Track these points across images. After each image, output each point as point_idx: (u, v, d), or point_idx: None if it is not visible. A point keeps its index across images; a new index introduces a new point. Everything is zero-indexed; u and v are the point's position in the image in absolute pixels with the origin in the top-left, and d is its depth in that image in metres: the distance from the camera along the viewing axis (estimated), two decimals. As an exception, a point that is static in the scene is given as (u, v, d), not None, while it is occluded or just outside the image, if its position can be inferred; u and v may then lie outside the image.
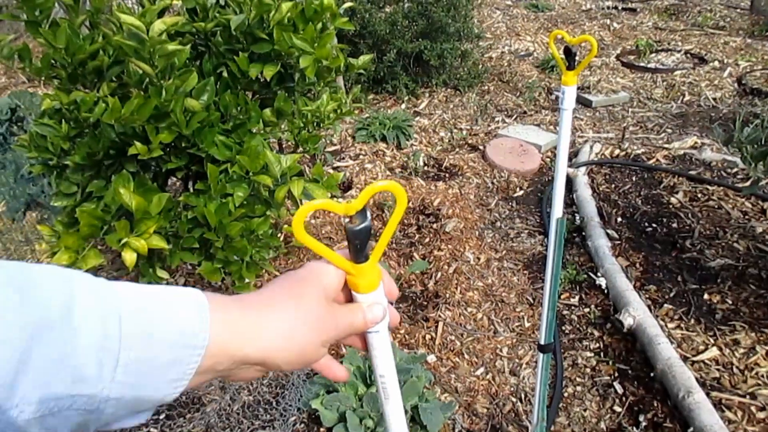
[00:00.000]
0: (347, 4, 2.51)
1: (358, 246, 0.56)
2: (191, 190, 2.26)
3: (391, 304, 0.64)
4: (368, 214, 0.55)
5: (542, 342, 1.76)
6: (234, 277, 2.11)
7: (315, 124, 2.44)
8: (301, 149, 2.49)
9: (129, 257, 1.92)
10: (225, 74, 2.26)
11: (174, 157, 2.09)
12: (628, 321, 2.42)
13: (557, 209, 1.51)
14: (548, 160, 4.04)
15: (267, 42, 2.14)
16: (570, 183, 3.61)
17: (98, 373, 0.45)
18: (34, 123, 2.17)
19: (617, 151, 3.95)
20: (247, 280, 2.32)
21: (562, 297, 2.78)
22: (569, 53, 1.27)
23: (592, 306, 2.67)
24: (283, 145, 3.25)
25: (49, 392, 0.43)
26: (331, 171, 3.83)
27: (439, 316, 2.64)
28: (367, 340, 0.63)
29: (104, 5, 2.17)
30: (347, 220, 0.55)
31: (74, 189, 2.25)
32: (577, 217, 3.23)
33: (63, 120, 2.13)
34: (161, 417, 2.18)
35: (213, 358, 0.51)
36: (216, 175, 2.03)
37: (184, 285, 2.82)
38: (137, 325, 0.47)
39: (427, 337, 2.55)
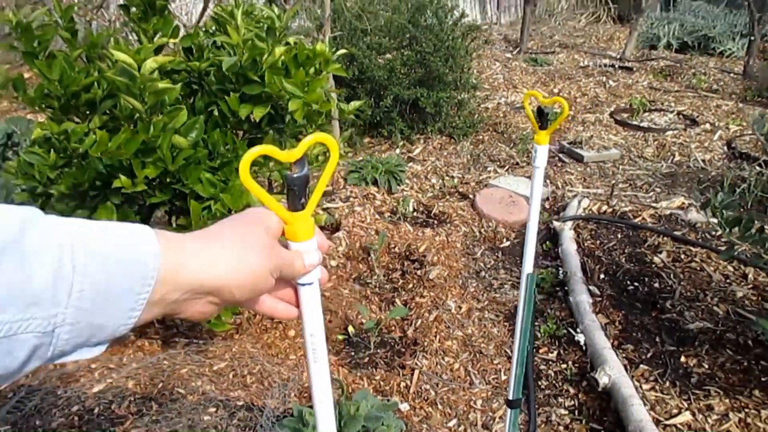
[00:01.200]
0: (341, 51, 2.56)
1: (297, 192, 0.60)
2: (174, 224, 2.27)
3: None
4: (306, 163, 0.59)
5: (511, 397, 1.75)
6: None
7: (302, 166, 2.47)
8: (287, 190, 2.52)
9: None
10: (216, 113, 2.30)
11: (159, 192, 2.11)
12: (603, 380, 2.41)
13: (528, 264, 1.53)
14: (537, 212, 4.06)
15: (258, 84, 2.18)
16: (556, 236, 3.64)
17: (53, 296, 0.46)
18: (23, 151, 2.20)
19: (605, 208, 3.99)
20: (223, 318, 2.32)
21: (541, 351, 2.77)
22: (542, 113, 1.31)
23: (570, 362, 2.67)
24: (273, 185, 3.28)
25: (4, 315, 0.44)
26: (321, 212, 3.86)
27: (416, 363, 2.63)
28: (299, 295, 0.66)
29: (101, 40, 2.22)
30: (288, 168, 0.60)
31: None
32: (561, 271, 3.25)
33: (52, 149, 2.16)
34: (126, 453, 2.15)
35: (165, 286, 0.53)
36: (198, 212, 2.05)
37: (162, 320, 2.81)
38: (92, 252, 0.49)
39: (402, 384, 2.53)
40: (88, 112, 2.21)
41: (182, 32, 2.70)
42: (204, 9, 4.95)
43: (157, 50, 2.35)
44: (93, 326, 0.50)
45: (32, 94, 2.11)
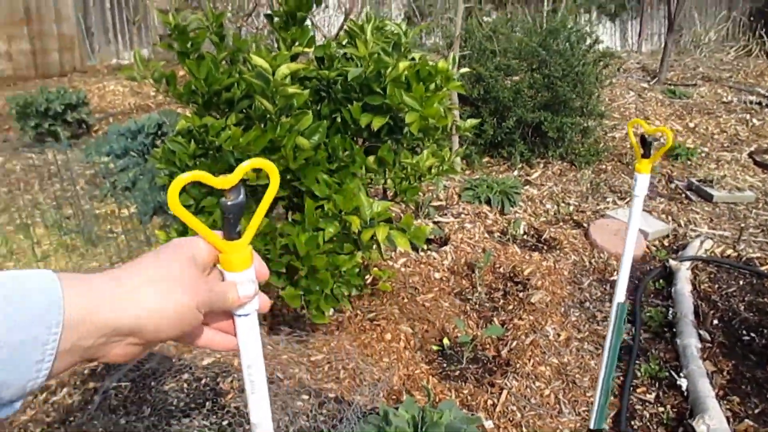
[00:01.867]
0: (463, 70, 2.64)
1: (232, 220, 0.57)
2: (289, 219, 2.44)
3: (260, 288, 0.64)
4: (242, 190, 0.57)
5: (592, 426, 1.73)
6: (312, 306, 2.25)
7: (416, 176, 2.57)
8: (399, 198, 2.62)
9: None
10: (339, 120, 2.45)
11: (279, 188, 2.28)
12: (701, 428, 2.29)
13: (620, 293, 1.52)
14: (654, 248, 3.92)
15: (380, 95, 2.30)
16: (671, 276, 3.49)
17: None
18: (167, 139, 2.46)
19: (730, 251, 3.77)
20: (324, 312, 2.45)
21: (638, 391, 2.68)
22: (645, 142, 1.31)
23: (668, 406, 2.56)
24: (388, 193, 3.41)
25: None
26: (431, 224, 3.94)
27: (506, 384, 2.63)
28: (236, 326, 0.62)
29: (245, 46, 2.44)
30: (223, 196, 0.57)
31: (191, 202, 2.49)
32: (671, 312, 3.11)
33: (192, 140, 2.39)
34: (224, 423, 2.33)
35: (76, 332, 0.50)
36: (312, 210, 2.20)
37: (270, 308, 3.00)
38: None
39: (489, 402, 2.54)
40: (226, 110, 2.44)
41: (321, 43, 2.89)
42: (343, 23, 5.21)
43: (294, 58, 2.55)
44: (2, 383, 0.47)
45: (181, 90, 2.36)
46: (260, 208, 0.60)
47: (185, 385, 2.41)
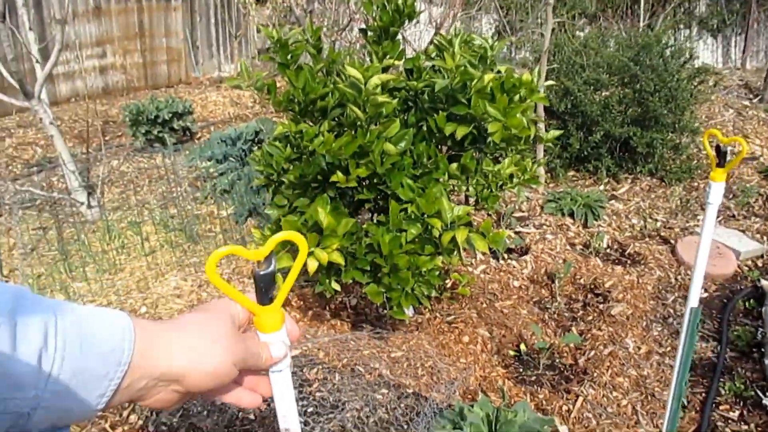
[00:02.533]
0: (548, 82, 2.71)
1: (263, 289, 0.62)
2: (374, 220, 2.58)
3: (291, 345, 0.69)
4: (273, 260, 0.62)
5: (665, 431, 1.76)
6: (393, 302, 2.38)
7: (497, 185, 2.66)
8: (480, 205, 2.72)
9: (312, 265, 2.28)
10: (424, 128, 2.58)
11: (366, 190, 2.44)
12: (785, 448, 2.25)
13: (694, 299, 1.56)
14: (746, 269, 3.80)
15: (464, 105, 2.41)
16: (762, 297, 3.38)
17: (35, 379, 0.48)
18: (266, 143, 2.66)
19: (830, 274, 3.60)
20: (405, 310, 2.57)
21: (721, 408, 2.64)
22: (719, 151, 1.36)
23: (752, 425, 2.50)
24: (470, 201, 3.50)
25: None
26: (513, 234, 3.99)
27: (582, 391, 2.66)
28: (271, 381, 0.68)
29: (340, 57, 2.62)
30: (255, 265, 0.62)
31: (284, 202, 2.69)
32: (760, 332, 3.03)
33: (288, 145, 2.59)
34: (309, 410, 2.49)
35: (135, 373, 0.55)
36: (396, 212, 2.33)
37: (355, 306, 3.16)
38: (74, 338, 0.51)
39: (564, 408, 2.58)
40: (320, 117, 2.62)
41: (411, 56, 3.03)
42: (434, 37, 5.36)
43: (385, 69, 2.71)
44: (64, 410, 0.51)
45: (280, 98, 2.56)
46: (290, 276, 0.64)
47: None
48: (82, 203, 4.24)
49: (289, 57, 2.56)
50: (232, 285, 0.65)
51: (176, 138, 5.85)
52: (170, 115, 5.65)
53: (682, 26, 11.43)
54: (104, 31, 8.03)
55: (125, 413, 2.53)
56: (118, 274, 3.62)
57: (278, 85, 2.70)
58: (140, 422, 2.47)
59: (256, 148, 4.56)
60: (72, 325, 0.51)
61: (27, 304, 0.50)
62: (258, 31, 9.16)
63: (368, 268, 2.38)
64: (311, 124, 2.67)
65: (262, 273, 0.61)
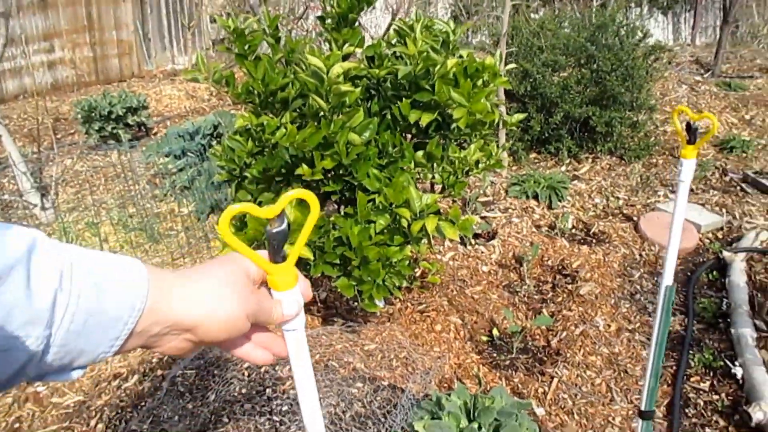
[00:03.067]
0: (510, 66, 2.69)
1: (276, 246, 0.62)
2: (341, 212, 2.54)
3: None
4: (285, 218, 0.62)
5: (643, 408, 1.77)
6: (365, 295, 2.34)
7: (463, 171, 2.63)
8: (447, 192, 2.69)
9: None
10: (388, 116, 2.54)
11: (332, 182, 2.39)
12: (757, 415, 2.30)
13: (668, 276, 1.56)
14: (707, 241, 3.88)
15: (428, 92, 2.38)
16: (725, 268, 3.45)
17: (50, 316, 0.49)
18: (227, 137, 2.59)
19: (787, 244, 3.70)
20: (376, 301, 2.54)
21: (692, 380, 2.68)
22: (690, 128, 1.35)
23: (723, 394, 2.56)
24: (436, 188, 3.48)
25: (3, 331, 0.46)
26: (479, 219, 3.99)
27: (557, 372, 2.67)
28: (286, 340, 0.68)
29: (299, 46, 2.56)
30: (268, 223, 0.62)
31: (248, 198, 2.62)
32: (725, 303, 3.09)
33: (250, 138, 2.52)
34: (283, 408, 2.44)
35: (149, 318, 0.56)
36: (364, 203, 2.29)
37: (324, 299, 3.12)
38: (89, 278, 0.52)
39: (540, 390, 2.59)
40: (281, 109, 2.56)
41: (369, 43, 2.99)
42: (390, 23, 5.31)
43: (345, 57, 2.65)
44: (77, 350, 0.52)
45: (239, 90, 2.49)
46: (302, 234, 0.64)
47: (246, 373, 2.53)
48: (36, 205, 4.09)
49: (246, 47, 2.48)
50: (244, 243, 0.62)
51: (131, 134, 5.68)
52: (124, 110, 5.48)
53: (633, 4, 11.59)
54: (51, 24, 7.75)
55: (92, 422, 2.45)
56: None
57: (236, 76, 2.62)
58: (109, 431, 2.40)
59: (216, 142, 4.46)
60: (88, 268, 0.52)
61: (44, 247, 0.51)
62: (212, 21, 8.96)
63: (338, 261, 2.33)
64: (272, 116, 2.60)
65: (274, 231, 0.61)
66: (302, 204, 2.31)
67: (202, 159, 4.35)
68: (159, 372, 2.66)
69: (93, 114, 5.34)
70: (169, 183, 4.37)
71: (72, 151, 5.56)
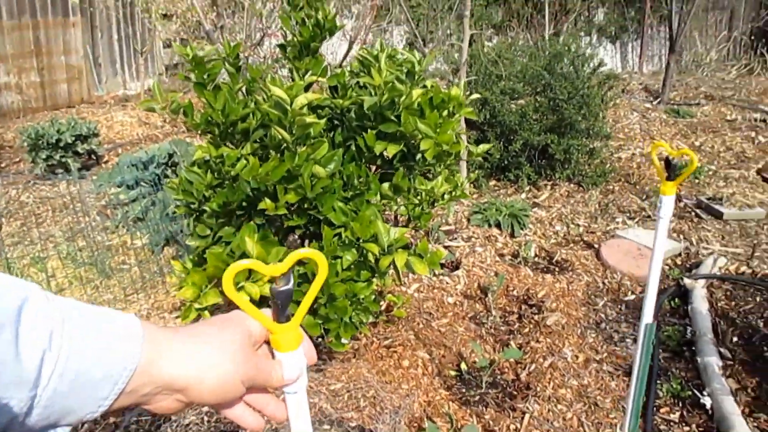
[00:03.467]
0: (474, 96, 2.67)
1: (280, 306, 0.60)
2: (307, 247, 2.45)
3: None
4: (291, 278, 0.60)
5: (621, 450, 1.72)
6: (331, 335, 2.25)
7: (429, 202, 2.58)
8: (413, 224, 2.63)
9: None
10: (353, 148, 2.47)
11: (296, 216, 2.30)
12: (727, 449, 2.28)
13: (648, 314, 1.53)
14: (667, 267, 3.91)
15: (394, 123, 2.33)
16: (686, 294, 3.48)
17: (36, 377, 0.47)
18: (185, 170, 2.48)
19: (744, 268, 3.76)
20: (343, 340, 2.45)
21: (662, 411, 2.66)
22: (669, 164, 1.33)
23: (693, 425, 2.54)
24: (399, 219, 3.42)
25: None
26: (442, 249, 3.95)
27: (527, 407, 2.61)
28: (286, 402, 0.66)
29: (259, 75, 2.48)
30: (273, 281, 0.60)
31: (208, 232, 2.51)
32: (689, 330, 3.10)
33: (209, 170, 2.41)
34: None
35: (140, 378, 0.54)
36: (330, 238, 2.21)
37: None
38: (79, 338, 0.50)
39: (512, 427, 2.53)
40: (241, 140, 2.46)
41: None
42: (348, 50, 5.28)
43: (307, 87, 2.58)
44: (63, 410, 0.50)
45: (197, 120, 2.39)
46: (308, 295, 0.62)
47: (206, 418, 2.40)
48: (-23, 240, 3.86)
49: (206, 76, 2.39)
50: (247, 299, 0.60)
51: (81, 163, 5.47)
52: (73, 138, 5.27)
53: (582, 34, 11.92)
54: (-5, 48, 7.48)
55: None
56: (22, 316, 3.30)
57: (194, 104, 2.52)
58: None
59: (171, 171, 4.32)
60: (79, 327, 0.51)
61: (36, 304, 0.49)
62: (166, 46, 8.79)
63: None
64: (232, 147, 2.50)
65: (280, 290, 0.59)
66: (266, 240, 2.22)
67: (156, 189, 4.19)
68: (111, 420, 2.50)
69: (40, 142, 5.13)
70: (121, 214, 4.20)
71: (17, 181, 5.32)
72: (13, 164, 5.94)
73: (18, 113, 7.62)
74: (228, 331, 0.60)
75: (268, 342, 0.64)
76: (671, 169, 1.34)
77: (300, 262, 2.25)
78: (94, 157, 5.75)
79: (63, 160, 5.28)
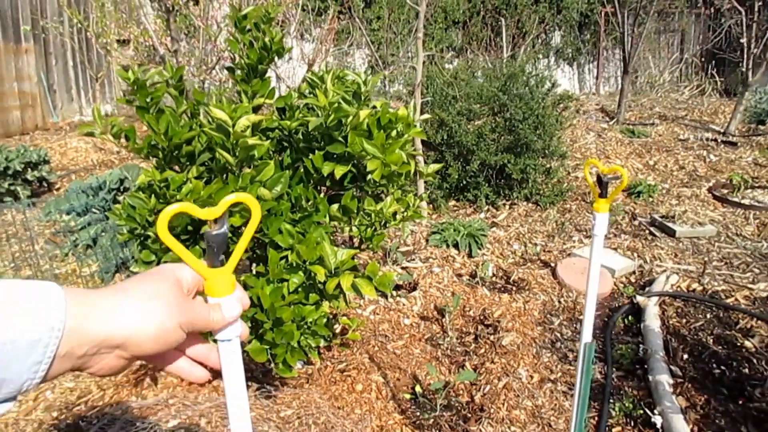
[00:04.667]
0: (424, 116, 2.67)
1: (215, 249, 0.60)
2: (253, 271, 2.40)
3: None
4: (226, 222, 0.61)
5: (569, 470, 1.70)
6: (278, 360, 2.20)
7: (381, 223, 2.56)
8: (365, 245, 2.61)
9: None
10: (301, 169, 2.45)
11: (242, 240, 2.25)
12: (679, 465, 2.28)
13: (587, 333, 1.52)
14: (621, 285, 3.95)
15: (341, 144, 2.31)
16: (639, 312, 3.51)
17: None
18: (128, 195, 2.42)
19: (695, 285, 3.82)
20: (292, 365, 2.39)
21: (614, 430, 2.66)
22: (601, 182, 1.33)
23: (645, 444, 2.54)
24: (354, 240, 3.39)
25: None
26: (400, 270, 3.92)
27: (480, 430, 2.58)
28: (219, 351, 0.64)
29: (203, 98, 2.44)
30: (208, 226, 0.61)
31: (153, 258, 2.44)
32: (641, 348, 3.12)
33: (153, 195, 2.36)
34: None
35: (72, 339, 0.53)
36: (276, 261, 2.17)
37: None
38: None
39: (466, 450, 2.49)
40: (187, 163, 2.42)
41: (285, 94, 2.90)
42: (307, 73, 5.27)
43: (256, 109, 2.55)
44: None
45: (140, 144, 2.34)
46: (243, 239, 0.62)
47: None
48: None
49: (149, 100, 2.35)
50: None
51: (31, 190, 5.33)
52: (22, 165, 5.14)
53: (540, 56, 12.16)
54: (-56, 75, 7.29)
55: None
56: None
57: (143, 129, 2.47)
58: None
59: (122, 197, 4.22)
60: None
61: None
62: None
63: (249, 324, 2.19)
64: (178, 170, 2.46)
65: (214, 233, 0.60)
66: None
67: (106, 216, 4.10)
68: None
69: (-12, 169, 4.99)
70: (70, 242, 4.09)
71: (-37, 210, 5.15)
72: (-39, 192, 5.76)
73: (-32, 140, 7.42)
74: (157, 281, 0.60)
75: (201, 293, 0.63)
76: (603, 187, 1.34)
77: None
78: (46, 185, 5.61)
79: (12, 188, 5.14)
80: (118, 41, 6.83)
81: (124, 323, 0.56)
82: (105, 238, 3.86)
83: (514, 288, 3.87)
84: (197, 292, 0.65)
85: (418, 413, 2.69)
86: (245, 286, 2.24)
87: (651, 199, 5.46)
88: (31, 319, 0.51)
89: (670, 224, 4.78)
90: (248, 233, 0.62)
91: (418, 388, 2.81)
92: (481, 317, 3.45)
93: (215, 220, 0.60)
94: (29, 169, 5.26)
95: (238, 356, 0.66)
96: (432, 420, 2.64)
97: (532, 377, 2.95)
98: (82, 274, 3.84)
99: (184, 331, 0.60)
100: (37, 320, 0.51)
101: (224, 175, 2.25)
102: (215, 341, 0.66)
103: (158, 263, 2.41)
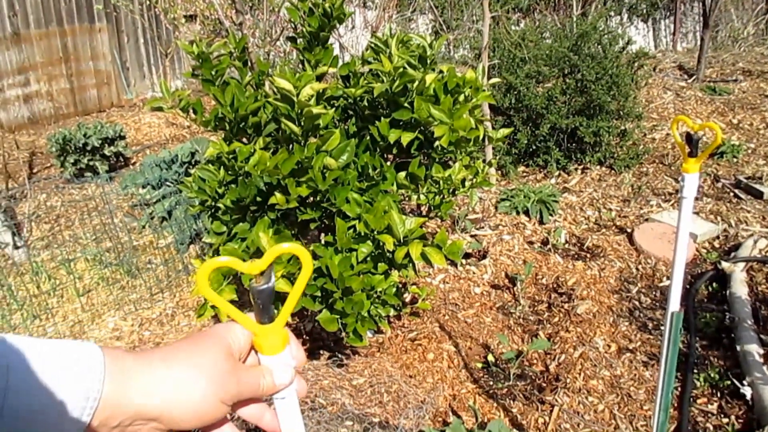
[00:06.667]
0: (493, 80, 2.58)
1: (261, 306, 0.56)
2: (322, 241, 2.40)
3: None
4: (272, 275, 0.55)
5: (652, 444, 1.63)
6: (349, 329, 2.19)
7: (449, 190, 2.50)
8: (433, 214, 2.56)
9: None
10: (367, 137, 2.41)
11: (310, 209, 2.25)
12: (770, 440, 2.16)
13: (674, 302, 1.43)
14: (704, 251, 3.76)
15: (407, 110, 2.25)
16: (724, 278, 3.33)
17: None
18: (198, 167, 2.45)
19: (786, 250, 3.59)
20: (363, 335, 2.39)
21: (699, 402, 2.54)
22: (691, 140, 1.23)
23: (732, 417, 2.41)
24: (423, 209, 3.34)
25: None
26: (469, 238, 3.86)
27: (557, 400, 2.52)
28: (276, 409, 0.61)
29: (267, 68, 2.43)
30: (252, 279, 0.54)
31: (223, 229, 2.48)
32: (727, 317, 2.96)
33: (222, 167, 2.38)
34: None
35: (107, 411, 0.51)
36: (344, 230, 2.15)
37: (310, 331, 2.96)
38: (27, 376, 0.48)
39: (540, 420, 2.44)
40: (254, 135, 2.42)
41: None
42: (370, 39, 5.21)
43: (320, 77, 2.53)
44: None
45: (208, 117, 2.35)
46: (293, 294, 0.57)
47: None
48: (7, 244, 3.92)
49: (213, 72, 2.35)
50: (226, 300, 0.54)
51: (109, 165, 5.52)
52: (100, 141, 5.32)
53: (612, 13, 11.61)
54: (26, 57, 7.59)
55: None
56: (50, 319, 3.33)
57: (212, 103, 2.49)
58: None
59: (194, 170, 4.32)
60: (29, 362, 0.48)
61: None
62: (189, 47, 8.83)
63: (319, 294, 2.19)
64: (246, 142, 2.47)
65: (260, 288, 0.55)
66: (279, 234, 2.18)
67: (180, 189, 4.20)
68: None
69: (68, 147, 5.18)
70: (147, 214, 4.22)
71: (47, 186, 5.40)
72: (45, 169, 6.03)
73: (50, 120, 7.74)
74: (204, 349, 0.56)
75: (255, 350, 0.60)
76: (693, 145, 1.24)
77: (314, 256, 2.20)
78: (122, 160, 5.80)
79: (91, 163, 5.34)
80: (185, 16, 6.94)
81: (162, 397, 0.54)
82: (179, 210, 3.96)
83: (589, 255, 3.74)
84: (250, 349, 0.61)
85: (491, 382, 2.65)
86: (314, 256, 2.24)
87: (735, 160, 5.14)
88: (68, 386, 0.49)
89: (757, 186, 4.49)
90: (300, 285, 0.56)
91: (490, 357, 2.76)
92: (554, 285, 3.36)
93: (261, 273, 0.55)
94: (106, 145, 5.44)
95: (297, 412, 0.62)
96: (506, 389, 2.59)
97: (609, 347, 2.85)
98: (159, 245, 3.96)
99: (226, 404, 0.57)
100: (76, 389, 0.50)
101: (290, 146, 2.24)
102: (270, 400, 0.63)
103: (229, 234, 2.44)
